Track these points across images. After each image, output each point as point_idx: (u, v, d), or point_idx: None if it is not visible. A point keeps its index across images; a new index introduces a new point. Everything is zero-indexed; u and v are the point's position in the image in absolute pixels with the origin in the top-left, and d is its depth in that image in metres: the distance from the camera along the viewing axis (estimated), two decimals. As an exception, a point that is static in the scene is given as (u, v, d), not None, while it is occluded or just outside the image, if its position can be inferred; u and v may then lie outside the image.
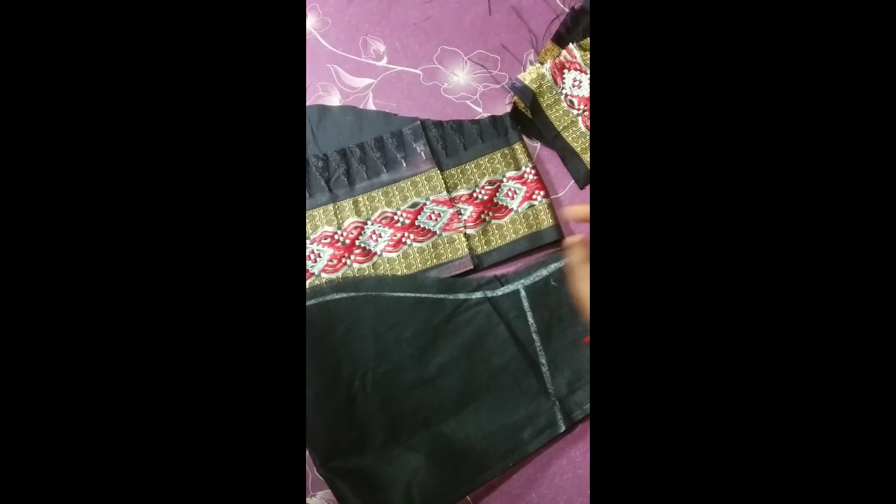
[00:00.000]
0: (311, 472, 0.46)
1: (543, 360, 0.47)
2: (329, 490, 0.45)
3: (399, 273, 0.49)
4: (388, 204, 0.51)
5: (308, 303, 0.48)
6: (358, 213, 0.50)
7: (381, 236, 0.50)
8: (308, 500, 0.46)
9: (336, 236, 0.50)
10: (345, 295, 0.48)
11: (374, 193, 0.51)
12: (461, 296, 0.48)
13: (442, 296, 0.48)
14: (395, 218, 0.51)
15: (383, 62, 0.55)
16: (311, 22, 0.56)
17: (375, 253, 0.50)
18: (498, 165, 0.51)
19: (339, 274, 0.49)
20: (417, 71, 0.54)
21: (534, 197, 0.50)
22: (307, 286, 0.48)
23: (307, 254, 0.50)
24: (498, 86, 0.53)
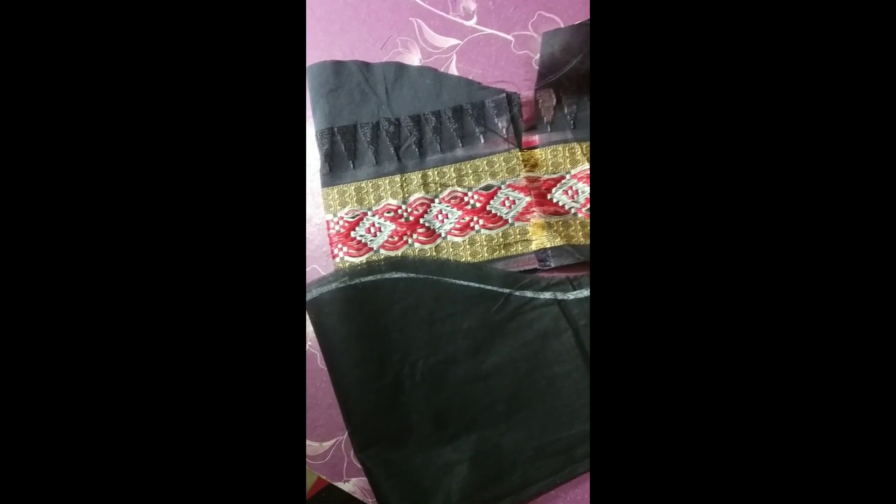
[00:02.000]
0: (347, 457, 0.44)
1: (607, 375, 0.44)
2: (363, 478, 0.43)
3: (463, 260, 0.45)
4: (460, 183, 0.46)
5: (364, 279, 0.44)
6: (426, 189, 0.46)
7: (447, 217, 0.46)
8: (341, 484, 0.44)
9: (400, 211, 0.46)
10: (404, 275, 0.45)
11: (445, 169, 0.47)
12: (528, 293, 0.44)
13: (507, 290, 0.44)
14: (466, 199, 0.46)
15: (472, 22, 0.49)
16: (397, -33, 0.51)
17: (440, 234, 0.46)
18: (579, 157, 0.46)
19: (400, 252, 0.45)
20: (509, 37, 0.49)
21: None
22: (364, 261, 0.45)
23: (367, 226, 0.46)
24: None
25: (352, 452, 0.43)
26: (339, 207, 0.46)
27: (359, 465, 0.43)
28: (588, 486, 0.42)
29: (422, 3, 0.50)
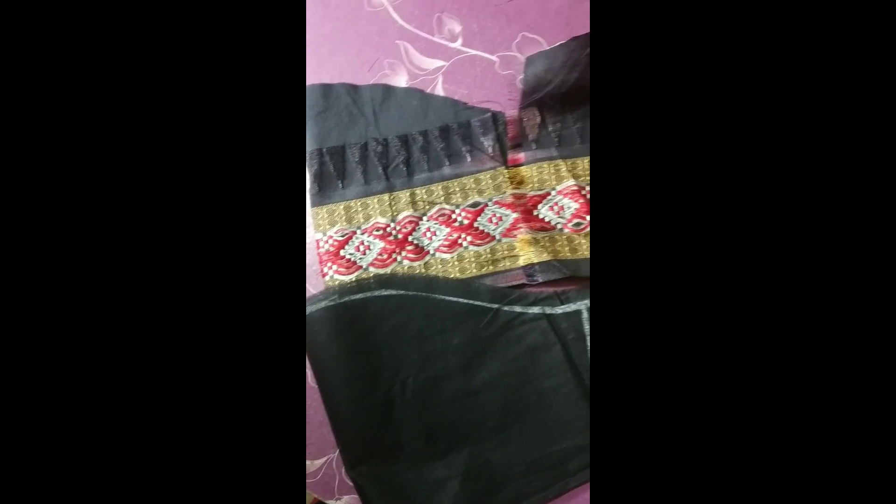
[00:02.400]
0: (338, 474, 0.44)
1: (597, 388, 0.44)
2: (355, 495, 0.43)
3: (452, 276, 0.46)
4: (448, 200, 0.47)
5: (354, 297, 0.45)
6: (414, 207, 0.47)
7: (436, 234, 0.47)
8: (333, 502, 0.44)
9: (389, 229, 0.47)
10: (393, 292, 0.45)
11: (433, 187, 0.48)
12: (517, 308, 0.45)
13: (496, 306, 0.45)
14: (453, 216, 0.47)
15: (457, 44, 0.50)
16: (384, -8, 0.52)
17: (428, 251, 0.46)
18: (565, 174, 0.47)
19: (389, 270, 0.46)
20: (494, 57, 0.50)
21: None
22: (354, 279, 0.46)
23: (357, 245, 0.47)
24: (580, 83, 0.49)
25: (343, 470, 0.43)
26: (328, 226, 0.47)
27: (350, 483, 0.43)
28: (581, 500, 0.42)
29: (408, 27, 0.51)
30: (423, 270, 0.46)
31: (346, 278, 0.46)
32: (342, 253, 0.47)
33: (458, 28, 0.51)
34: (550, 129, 0.48)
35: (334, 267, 0.46)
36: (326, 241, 0.47)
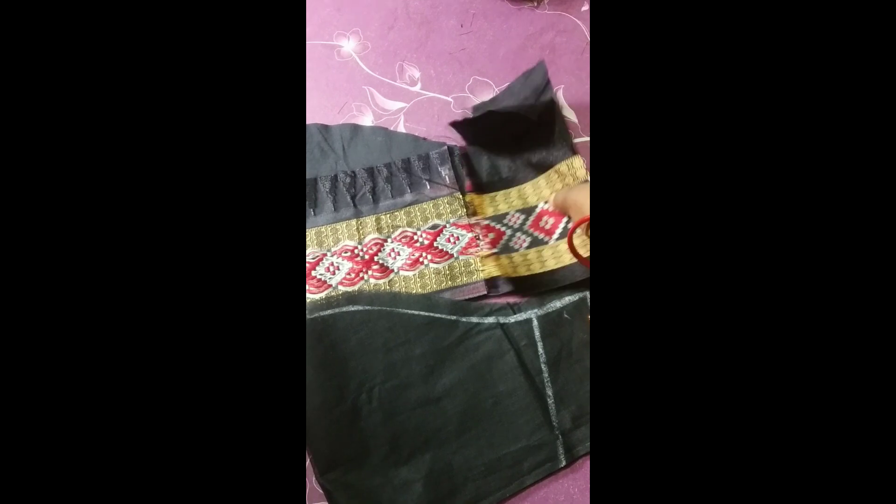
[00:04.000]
0: (309, 483, 0.46)
1: (550, 393, 0.47)
2: (325, 503, 0.45)
3: (414, 291, 0.50)
4: (410, 223, 0.52)
5: (323, 313, 0.49)
6: (379, 230, 0.52)
7: (399, 254, 0.51)
8: (304, 509, 0.46)
9: (356, 251, 0.51)
10: (360, 308, 0.49)
11: (396, 212, 0.53)
12: (473, 319, 0.49)
13: (454, 317, 0.49)
14: (415, 238, 0.52)
15: (417, 87, 0.57)
16: (352, 45, 0.59)
17: (392, 270, 0.51)
18: (528, 194, 0.52)
19: (356, 288, 0.50)
20: (449, 98, 0.56)
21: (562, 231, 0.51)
22: (324, 296, 0.50)
23: (327, 266, 0.51)
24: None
25: (313, 478, 0.46)
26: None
27: (320, 490, 0.45)
28: (536, 497, 0.44)
29: (373, 73, 0.57)
30: (387, 287, 0.50)
31: (317, 296, 0.50)
32: (314, 273, 0.51)
33: (417, 74, 0.57)
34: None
35: (307, 287, 0.50)
36: (299, 264, 0.51)
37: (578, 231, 0.46)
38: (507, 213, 0.52)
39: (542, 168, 0.53)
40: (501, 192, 0.53)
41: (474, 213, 0.52)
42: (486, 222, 0.52)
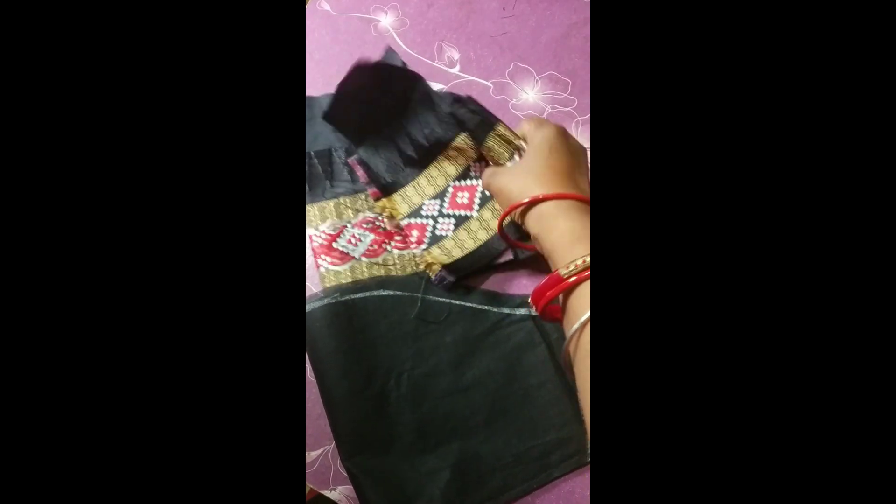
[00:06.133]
0: (334, 466, 0.46)
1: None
2: (350, 486, 0.45)
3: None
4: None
5: (354, 296, 0.48)
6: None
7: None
8: (328, 492, 0.45)
9: (377, 221, 0.50)
10: (391, 293, 0.48)
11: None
12: (505, 310, 0.48)
13: (486, 307, 0.48)
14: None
15: (455, 69, 0.55)
16: (389, 20, 0.57)
17: (414, 242, 0.50)
18: (435, 176, 0.50)
19: (380, 258, 0.49)
20: (488, 83, 0.55)
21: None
22: (351, 276, 0.49)
23: (348, 238, 0.50)
24: (566, 109, 0.54)
25: (338, 461, 0.45)
26: (319, 222, 0.50)
27: (345, 473, 0.45)
28: (563, 489, 0.45)
29: (410, 52, 0.56)
30: (413, 259, 0.49)
31: (340, 268, 0.49)
32: (335, 245, 0.50)
33: (456, 55, 0.56)
34: None
35: (328, 259, 0.49)
36: (319, 237, 0.50)
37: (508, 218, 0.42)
38: (421, 205, 0.50)
39: (439, 146, 0.49)
40: (410, 185, 0.51)
41: (391, 217, 0.50)
42: (406, 221, 0.50)
